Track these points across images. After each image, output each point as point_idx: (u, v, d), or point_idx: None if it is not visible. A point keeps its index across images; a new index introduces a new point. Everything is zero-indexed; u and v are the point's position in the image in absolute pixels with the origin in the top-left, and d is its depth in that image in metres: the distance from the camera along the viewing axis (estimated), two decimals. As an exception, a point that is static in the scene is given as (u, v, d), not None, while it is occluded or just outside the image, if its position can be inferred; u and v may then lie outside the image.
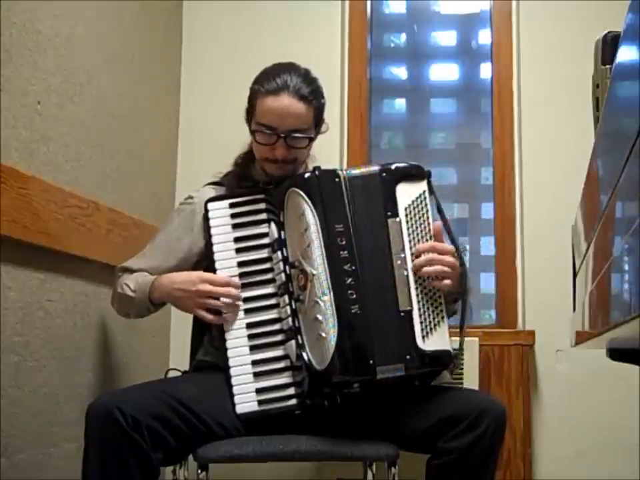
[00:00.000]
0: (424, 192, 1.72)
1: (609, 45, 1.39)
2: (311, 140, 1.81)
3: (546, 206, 2.60)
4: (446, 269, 1.66)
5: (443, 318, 1.66)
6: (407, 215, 1.70)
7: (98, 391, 2.03)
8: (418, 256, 1.67)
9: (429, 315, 1.65)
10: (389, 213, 1.69)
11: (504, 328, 2.63)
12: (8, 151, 1.66)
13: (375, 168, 1.74)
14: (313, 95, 1.78)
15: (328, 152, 2.01)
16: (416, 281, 1.66)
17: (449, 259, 1.67)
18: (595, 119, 1.49)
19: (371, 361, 1.61)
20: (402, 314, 1.64)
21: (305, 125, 1.78)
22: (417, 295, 1.65)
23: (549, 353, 2.54)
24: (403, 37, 3.07)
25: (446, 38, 3.08)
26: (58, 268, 1.88)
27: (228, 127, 1.89)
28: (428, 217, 1.71)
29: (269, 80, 1.77)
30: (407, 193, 1.71)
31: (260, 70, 1.84)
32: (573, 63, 2.53)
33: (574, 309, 1.67)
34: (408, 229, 1.69)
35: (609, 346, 1.35)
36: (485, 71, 2.90)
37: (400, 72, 3.10)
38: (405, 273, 1.66)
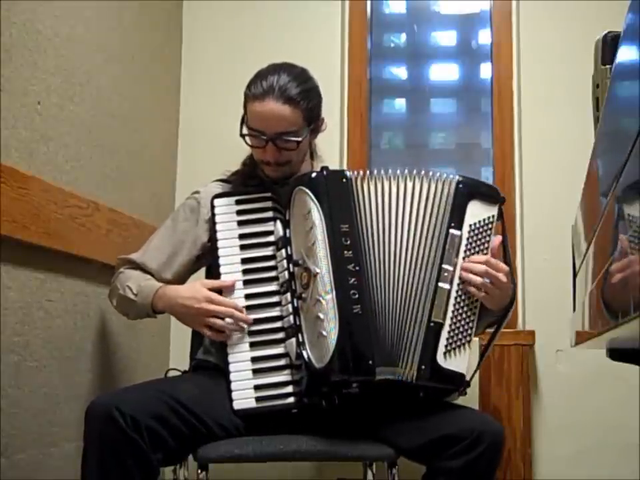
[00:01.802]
0: (493, 216, 1.71)
1: (608, 45, 1.39)
2: (299, 142, 1.78)
3: (546, 206, 2.60)
4: (490, 286, 1.64)
5: (469, 342, 1.65)
6: (470, 232, 1.68)
7: (98, 391, 2.03)
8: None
9: (457, 334, 1.64)
10: (453, 224, 1.68)
11: (504, 328, 2.62)
12: (8, 151, 1.66)
13: (454, 177, 1.72)
14: (301, 96, 1.76)
15: (328, 152, 2.01)
16: (456, 298, 1.65)
17: (502, 277, 1.65)
18: (594, 118, 1.49)
19: (370, 362, 1.60)
20: (432, 324, 1.63)
21: (292, 127, 1.76)
22: (453, 312, 1.64)
23: (549, 353, 2.54)
24: (403, 37, 3.07)
25: (446, 38, 3.08)
26: (58, 268, 1.88)
27: (228, 126, 1.89)
28: (489, 241, 1.69)
29: (256, 84, 1.77)
30: (476, 211, 1.70)
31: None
32: (573, 63, 2.53)
33: (574, 309, 1.67)
34: (466, 245, 1.67)
35: (609, 346, 1.35)
36: (485, 70, 2.90)
37: (400, 72, 3.10)
38: (448, 287, 1.64)
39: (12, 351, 1.69)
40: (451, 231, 1.67)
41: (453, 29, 3.03)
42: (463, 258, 1.66)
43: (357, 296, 1.63)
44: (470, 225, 1.68)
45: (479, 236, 1.68)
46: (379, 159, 2.84)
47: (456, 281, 1.65)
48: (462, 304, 1.65)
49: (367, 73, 2.84)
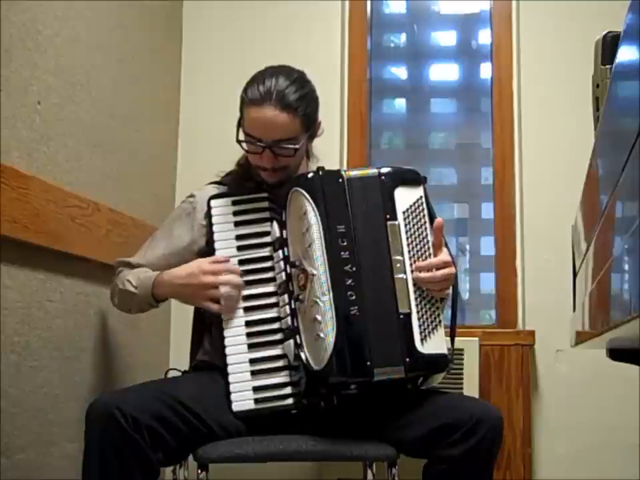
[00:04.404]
0: (421, 197, 1.73)
1: (608, 45, 1.39)
2: (297, 149, 1.77)
3: (546, 206, 2.60)
4: (445, 283, 1.67)
5: (440, 322, 1.67)
6: (405, 219, 1.70)
7: (98, 390, 2.03)
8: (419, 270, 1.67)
9: (427, 319, 1.66)
10: (388, 216, 1.69)
11: (504, 328, 2.63)
12: (8, 151, 1.66)
13: (373, 170, 1.73)
14: (299, 102, 1.73)
15: (328, 152, 2.01)
16: (414, 285, 1.67)
17: (452, 269, 1.69)
18: (594, 118, 1.49)
19: (369, 363, 1.60)
20: (401, 316, 1.64)
21: (290, 134, 1.74)
22: (416, 299, 1.66)
23: (549, 353, 2.54)
24: (403, 37, 3.07)
25: (446, 38, 3.08)
26: (58, 268, 1.88)
27: (228, 126, 1.88)
28: (425, 222, 1.71)
29: (253, 88, 1.74)
30: (404, 198, 1.72)
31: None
32: (572, 63, 2.53)
33: (574, 309, 1.67)
34: (406, 232, 1.69)
35: (609, 346, 1.35)
36: (485, 70, 2.90)
37: (400, 72, 3.10)
38: (404, 277, 1.66)
39: (12, 351, 1.69)
40: (389, 222, 1.69)
41: (453, 29, 3.03)
42: (408, 245, 1.68)
43: (353, 297, 1.63)
44: (403, 212, 1.70)
45: (415, 220, 1.71)
46: (379, 159, 2.84)
47: (408, 268, 1.67)
48: (421, 289, 1.67)
49: (367, 73, 2.84)
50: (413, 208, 1.71)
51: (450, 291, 1.70)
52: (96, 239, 2.02)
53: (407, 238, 1.69)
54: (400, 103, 3.10)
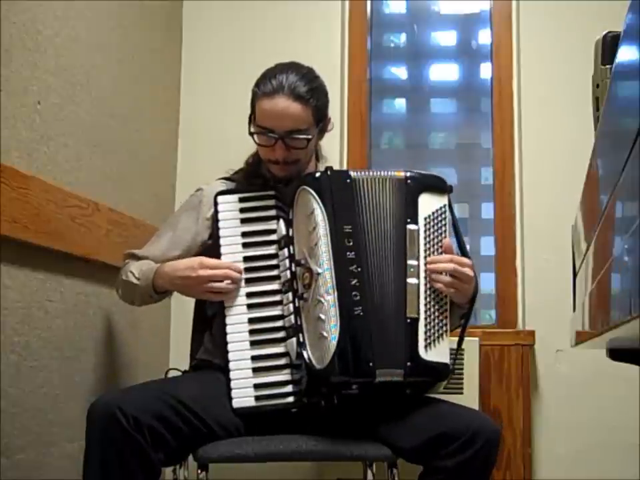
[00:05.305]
0: (444, 206, 1.73)
1: (608, 45, 1.39)
2: (309, 140, 1.79)
3: (546, 206, 2.60)
4: (458, 282, 1.67)
5: (446, 331, 1.67)
6: (425, 225, 1.70)
7: (98, 390, 2.03)
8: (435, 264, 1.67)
9: (434, 326, 1.65)
10: (409, 220, 1.69)
11: (504, 328, 2.63)
12: (8, 151, 1.66)
13: (401, 173, 1.74)
14: (310, 94, 1.76)
15: (328, 152, 2.01)
16: (426, 291, 1.66)
17: (469, 271, 1.68)
18: (595, 118, 1.49)
19: (371, 364, 1.61)
20: (408, 320, 1.64)
21: (303, 125, 1.76)
22: (426, 305, 1.66)
23: (549, 353, 2.54)
24: (403, 37, 3.07)
25: (446, 38, 3.08)
26: (58, 268, 1.88)
27: (228, 126, 1.89)
28: (445, 231, 1.71)
29: (265, 82, 1.77)
30: (428, 204, 1.72)
31: (260, 70, 1.84)
32: (573, 63, 2.53)
33: (574, 309, 1.67)
34: (425, 238, 1.69)
35: (609, 346, 1.35)
36: (485, 70, 2.90)
37: (400, 72, 3.10)
38: (416, 281, 1.66)
39: (12, 351, 1.69)
40: (408, 226, 1.69)
41: (453, 29, 3.03)
42: (425, 250, 1.69)
43: (358, 297, 1.63)
44: (425, 218, 1.71)
45: (435, 227, 1.71)
46: (379, 159, 2.84)
47: (422, 274, 1.67)
48: (432, 296, 1.67)
49: (367, 73, 2.84)
50: (435, 215, 1.71)
51: (466, 300, 1.70)
52: (96, 239, 2.02)
53: (425, 244, 1.69)
54: (400, 103, 3.10)
